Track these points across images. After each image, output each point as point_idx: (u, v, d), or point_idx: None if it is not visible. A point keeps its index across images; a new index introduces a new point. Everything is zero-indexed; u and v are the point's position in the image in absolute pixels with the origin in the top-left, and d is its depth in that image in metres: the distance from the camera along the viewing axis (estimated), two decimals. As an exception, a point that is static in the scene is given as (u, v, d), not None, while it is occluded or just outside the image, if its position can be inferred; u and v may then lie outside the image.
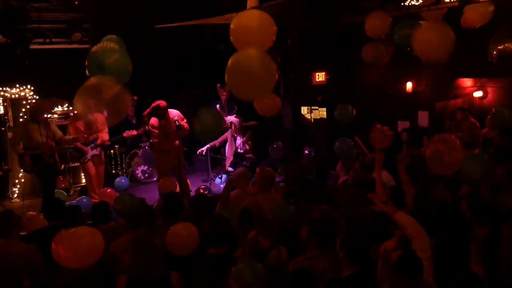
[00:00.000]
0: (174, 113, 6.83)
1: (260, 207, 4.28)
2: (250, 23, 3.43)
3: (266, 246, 3.20)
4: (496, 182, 4.36)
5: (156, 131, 6.75)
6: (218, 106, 8.40)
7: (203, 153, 8.20)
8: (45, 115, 6.75)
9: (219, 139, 8.62)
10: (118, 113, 3.63)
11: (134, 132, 7.88)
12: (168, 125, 6.73)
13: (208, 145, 8.21)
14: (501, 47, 5.69)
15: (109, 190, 6.63)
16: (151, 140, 6.97)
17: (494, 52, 5.87)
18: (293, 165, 6.42)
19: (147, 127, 7.23)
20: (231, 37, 3.48)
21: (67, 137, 6.71)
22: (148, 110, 6.77)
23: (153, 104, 6.62)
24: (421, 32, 3.82)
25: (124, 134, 7.71)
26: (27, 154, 6.29)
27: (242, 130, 8.84)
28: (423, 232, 2.78)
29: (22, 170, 7.65)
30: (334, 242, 3.18)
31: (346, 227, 3.53)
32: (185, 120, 6.91)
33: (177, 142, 6.72)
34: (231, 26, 3.47)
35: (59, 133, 6.67)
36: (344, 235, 2.90)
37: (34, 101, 7.86)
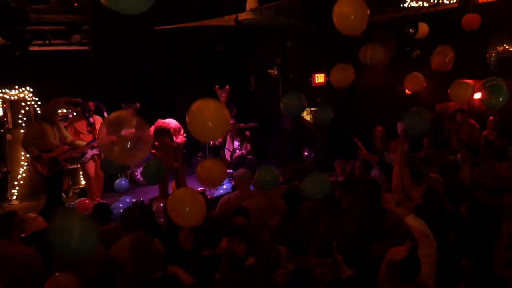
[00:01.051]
0: (171, 124, 6.79)
1: (260, 209, 4.27)
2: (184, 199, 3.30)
3: (242, 253, 3.16)
4: (497, 183, 4.36)
5: (155, 143, 6.73)
6: None
7: (217, 143, 8.27)
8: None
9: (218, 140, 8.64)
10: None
11: (133, 133, 7.85)
12: (167, 143, 6.71)
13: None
14: (499, 49, 5.71)
15: (87, 201, 6.52)
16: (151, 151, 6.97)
17: (493, 55, 5.89)
18: (292, 166, 6.42)
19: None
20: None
21: (80, 142, 6.58)
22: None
23: (153, 127, 6.52)
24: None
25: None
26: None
27: (238, 132, 8.83)
28: (431, 236, 2.74)
29: (20, 172, 7.64)
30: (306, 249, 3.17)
31: (342, 230, 3.50)
32: (182, 131, 6.90)
33: (176, 164, 6.78)
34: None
35: (70, 136, 6.56)
36: (340, 238, 2.88)
37: (32, 102, 7.85)
